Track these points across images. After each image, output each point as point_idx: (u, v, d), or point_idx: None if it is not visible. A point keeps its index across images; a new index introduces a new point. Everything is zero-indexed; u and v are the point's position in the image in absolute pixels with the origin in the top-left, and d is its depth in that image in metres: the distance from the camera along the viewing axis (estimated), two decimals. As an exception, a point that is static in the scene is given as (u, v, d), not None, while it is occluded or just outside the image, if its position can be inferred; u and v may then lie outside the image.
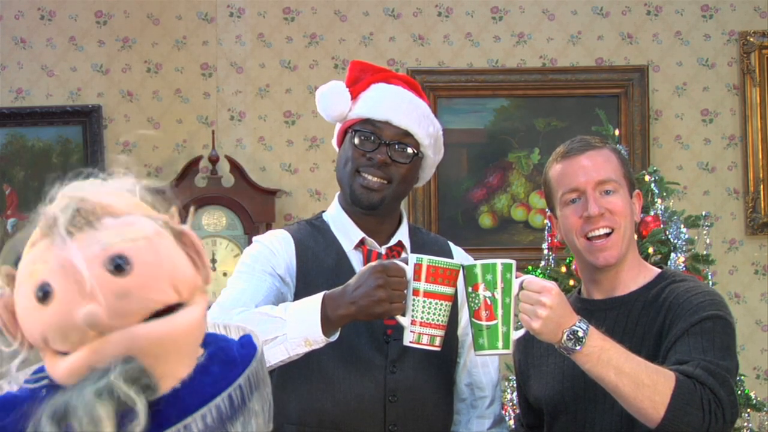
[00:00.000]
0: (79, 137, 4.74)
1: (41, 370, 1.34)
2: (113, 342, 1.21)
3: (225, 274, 4.30)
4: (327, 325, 2.07)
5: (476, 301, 2.00)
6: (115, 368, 1.19)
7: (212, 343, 1.33)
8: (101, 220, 1.26)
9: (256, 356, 1.33)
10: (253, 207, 4.62)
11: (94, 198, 1.29)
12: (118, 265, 1.22)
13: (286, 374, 2.28)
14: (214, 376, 1.29)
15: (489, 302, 1.99)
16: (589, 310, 2.20)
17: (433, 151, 2.41)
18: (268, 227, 4.42)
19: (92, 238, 1.24)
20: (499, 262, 2.00)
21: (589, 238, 2.21)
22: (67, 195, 1.29)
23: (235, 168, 4.67)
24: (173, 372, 1.26)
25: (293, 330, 2.08)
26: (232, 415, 1.26)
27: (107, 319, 1.20)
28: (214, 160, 4.67)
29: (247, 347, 1.36)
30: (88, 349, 1.21)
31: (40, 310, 1.23)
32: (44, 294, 1.22)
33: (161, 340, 1.24)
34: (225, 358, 1.32)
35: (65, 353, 1.24)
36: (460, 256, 2.44)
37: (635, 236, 2.51)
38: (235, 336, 1.42)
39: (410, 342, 2.06)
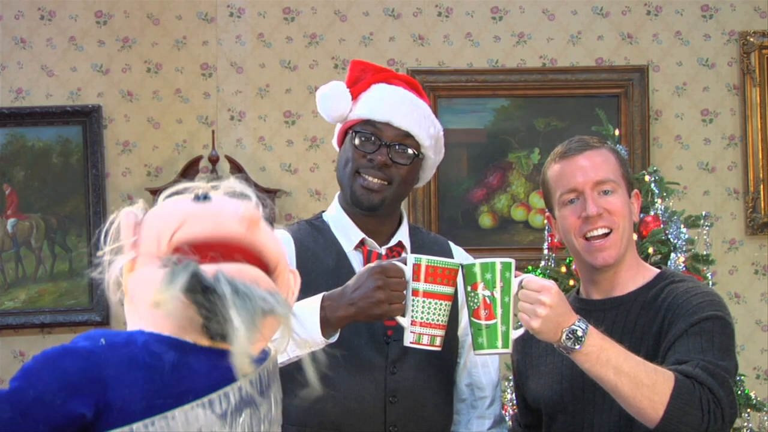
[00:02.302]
0: (79, 137, 4.74)
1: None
2: (256, 273, 1.34)
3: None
4: (326, 327, 2.07)
5: (475, 301, 2.00)
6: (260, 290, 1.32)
7: None
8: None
9: (270, 354, 1.48)
10: (253, 207, 4.61)
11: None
12: (269, 220, 1.39)
13: (286, 375, 2.27)
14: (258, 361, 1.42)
15: (488, 301, 1.99)
16: (588, 310, 2.20)
17: (433, 152, 2.40)
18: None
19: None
20: (498, 261, 2.00)
21: (587, 239, 2.21)
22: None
23: (235, 168, 4.67)
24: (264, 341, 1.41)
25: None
26: (261, 392, 1.39)
27: (259, 228, 1.35)
28: (214, 160, 4.67)
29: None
30: (229, 267, 1.31)
31: (193, 204, 1.36)
32: (204, 196, 1.36)
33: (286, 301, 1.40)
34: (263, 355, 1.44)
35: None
36: (460, 256, 2.43)
37: (634, 236, 2.50)
38: None
39: (410, 342, 2.06)
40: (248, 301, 1.27)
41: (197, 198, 1.36)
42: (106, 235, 1.39)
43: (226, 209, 1.35)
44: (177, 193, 1.41)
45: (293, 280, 1.47)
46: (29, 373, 1.30)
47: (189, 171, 4.67)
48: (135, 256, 1.36)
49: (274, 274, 1.36)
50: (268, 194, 4.64)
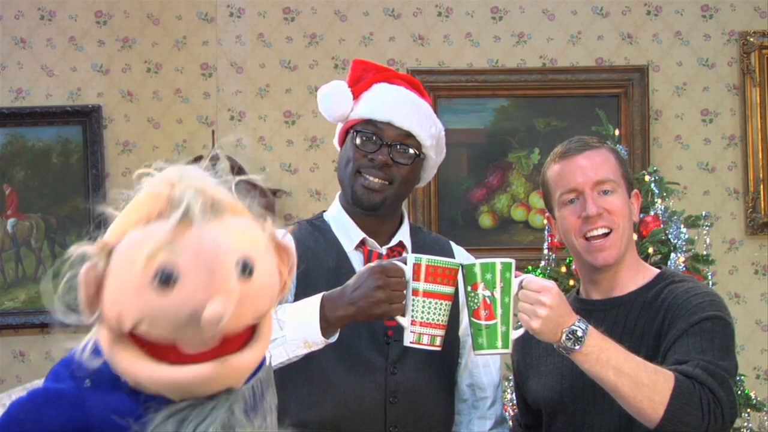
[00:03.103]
0: (79, 137, 4.74)
1: (67, 362, 1.30)
2: (227, 368, 1.18)
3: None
4: (326, 327, 2.07)
5: (475, 301, 1.99)
6: (224, 404, 1.18)
7: None
8: (224, 215, 1.23)
9: (265, 361, 1.35)
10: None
11: (212, 191, 1.25)
12: (246, 268, 1.19)
13: (287, 376, 2.27)
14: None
15: (488, 301, 1.99)
16: (588, 310, 2.20)
17: (435, 152, 2.40)
18: (268, 227, 4.42)
19: (222, 232, 1.20)
20: (498, 261, 2.00)
21: (587, 239, 2.21)
22: (183, 180, 1.25)
23: (235, 168, 4.67)
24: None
25: (292, 332, 2.08)
26: (254, 407, 1.27)
27: (223, 325, 1.16)
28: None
29: None
30: (201, 372, 1.17)
31: (154, 294, 1.17)
32: (167, 278, 1.16)
33: (257, 364, 1.24)
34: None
35: (152, 355, 1.19)
36: (461, 256, 2.43)
37: (635, 236, 2.50)
38: None
39: (411, 342, 2.05)
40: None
41: (158, 280, 1.17)
42: (63, 297, 1.24)
43: (185, 308, 1.16)
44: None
45: (287, 258, 1.31)
46: (11, 424, 1.23)
47: (189, 171, 4.66)
48: (100, 320, 1.23)
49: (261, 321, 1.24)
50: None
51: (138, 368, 1.19)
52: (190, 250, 1.18)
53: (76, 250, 1.22)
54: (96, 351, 1.26)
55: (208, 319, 1.15)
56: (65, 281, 1.22)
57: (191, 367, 1.17)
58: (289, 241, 1.34)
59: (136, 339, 1.21)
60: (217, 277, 1.17)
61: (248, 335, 1.23)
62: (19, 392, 1.43)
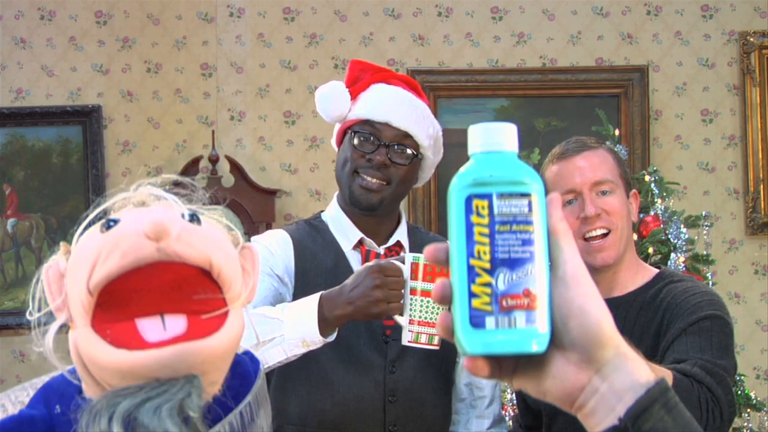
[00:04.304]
0: (79, 137, 4.74)
1: (49, 387, 1.32)
2: (186, 353, 1.18)
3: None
4: (324, 326, 2.08)
5: (473, 300, 1.99)
6: (183, 387, 1.17)
7: None
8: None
9: (260, 373, 1.35)
10: (253, 207, 4.62)
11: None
12: (191, 216, 1.26)
13: (286, 375, 2.28)
14: (234, 389, 1.30)
15: (486, 301, 1.98)
16: (588, 310, 2.20)
17: (432, 152, 2.40)
18: (268, 227, 4.42)
19: (173, 208, 1.29)
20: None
21: (586, 239, 2.21)
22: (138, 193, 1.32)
23: (235, 168, 4.67)
24: (218, 381, 1.27)
25: (291, 331, 2.08)
26: (251, 421, 1.27)
27: (169, 238, 1.19)
28: (214, 160, 4.67)
29: (255, 361, 1.38)
30: (160, 355, 1.18)
31: (99, 237, 1.23)
32: (110, 224, 1.23)
33: (223, 354, 1.23)
34: (242, 373, 1.34)
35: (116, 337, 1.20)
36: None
37: (634, 236, 2.50)
38: None
39: (409, 341, 2.06)
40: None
41: (103, 227, 1.23)
42: (33, 299, 1.27)
43: (129, 230, 1.21)
44: (97, 217, 1.30)
45: (249, 257, 1.35)
46: None
47: (189, 171, 4.67)
48: (68, 316, 1.25)
49: (213, 274, 1.24)
50: (267, 194, 4.64)
51: (101, 354, 1.20)
52: (138, 212, 1.26)
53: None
54: (63, 384, 1.28)
55: (154, 222, 1.18)
56: (36, 288, 1.28)
57: (151, 350, 1.18)
58: (255, 248, 1.38)
59: (100, 327, 1.21)
60: (157, 212, 1.24)
61: (216, 326, 1.23)
62: (18, 391, 1.43)
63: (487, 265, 0.89)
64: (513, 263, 0.89)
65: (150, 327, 1.19)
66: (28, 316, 1.26)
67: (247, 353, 1.39)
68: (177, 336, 1.20)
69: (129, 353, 1.18)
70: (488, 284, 0.88)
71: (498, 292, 0.88)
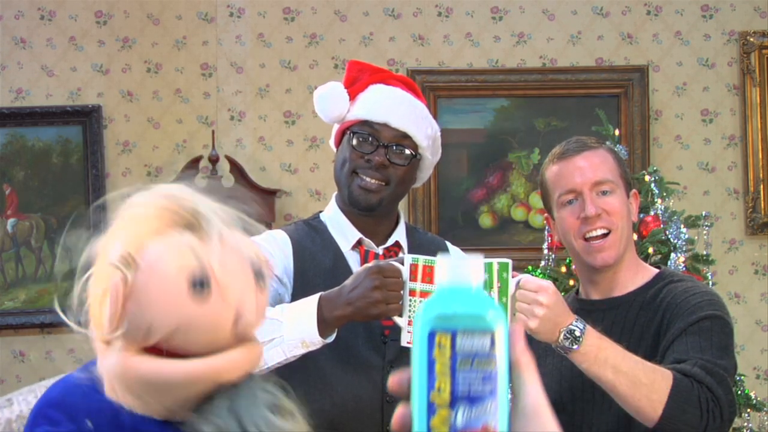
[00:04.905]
0: (79, 137, 4.74)
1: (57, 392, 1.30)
2: (247, 358, 1.22)
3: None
4: (323, 327, 2.07)
5: (473, 301, 1.99)
6: (267, 385, 1.21)
7: None
8: (232, 229, 1.27)
9: None
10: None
11: (219, 207, 1.29)
12: (260, 277, 1.25)
13: (284, 375, 2.27)
14: None
15: (486, 302, 1.98)
16: (587, 310, 2.20)
17: (431, 153, 2.41)
18: (268, 227, 4.41)
19: (240, 243, 1.25)
20: (495, 261, 2.00)
21: (586, 239, 2.21)
22: (193, 195, 1.27)
23: (235, 168, 4.67)
24: None
25: (290, 332, 2.08)
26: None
27: (249, 328, 1.22)
28: (214, 160, 4.67)
29: None
30: (221, 360, 1.19)
31: (191, 302, 1.19)
32: (201, 284, 1.19)
33: (260, 360, 1.29)
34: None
35: (164, 353, 1.21)
36: (458, 256, 2.43)
37: (634, 236, 2.50)
38: None
39: (408, 342, 2.06)
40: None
41: (196, 288, 1.20)
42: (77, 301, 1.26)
43: (220, 317, 1.20)
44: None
45: (269, 272, 1.33)
46: None
47: (189, 171, 4.67)
48: (117, 334, 1.23)
49: None
50: (267, 194, 4.64)
51: (167, 366, 1.20)
52: (219, 257, 1.21)
53: (85, 258, 1.24)
54: (89, 389, 1.26)
55: (247, 320, 1.20)
56: (77, 295, 1.24)
57: (225, 354, 1.21)
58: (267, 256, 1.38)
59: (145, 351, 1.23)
60: (248, 281, 1.22)
61: None
62: (26, 393, 1.43)
63: (447, 400, 0.89)
64: (473, 399, 0.89)
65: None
66: (65, 318, 1.24)
67: None
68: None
69: (202, 360, 1.20)
70: (447, 419, 0.88)
71: (456, 428, 0.88)
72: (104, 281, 1.22)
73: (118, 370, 1.23)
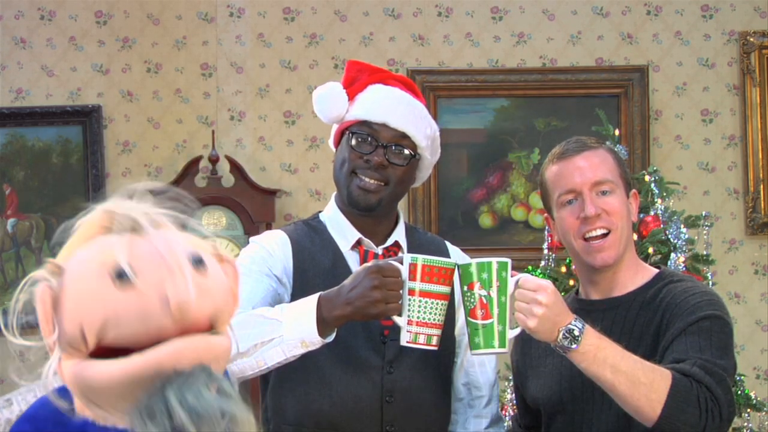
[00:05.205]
0: (79, 137, 4.74)
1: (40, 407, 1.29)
2: (193, 346, 1.18)
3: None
4: (323, 326, 2.08)
5: (472, 300, 2.00)
6: (203, 373, 1.16)
7: None
8: (168, 227, 1.26)
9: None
10: (253, 207, 4.62)
11: (152, 211, 1.28)
12: (197, 260, 1.22)
13: (283, 375, 2.28)
14: None
15: (485, 301, 1.99)
16: (587, 310, 2.20)
17: (430, 152, 2.40)
18: (268, 227, 4.42)
19: (170, 236, 1.23)
20: (494, 260, 2.00)
21: (586, 239, 2.21)
22: (122, 204, 1.27)
23: (235, 168, 4.67)
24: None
25: (289, 332, 2.08)
26: None
27: (189, 310, 1.17)
28: (214, 160, 4.67)
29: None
30: (163, 351, 1.16)
31: (115, 291, 1.18)
32: (121, 275, 1.18)
33: (224, 355, 1.23)
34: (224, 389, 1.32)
35: (104, 355, 1.19)
36: (457, 255, 2.43)
37: (634, 236, 2.50)
38: None
39: (407, 342, 2.06)
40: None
41: (116, 278, 1.19)
42: (13, 312, 1.24)
43: (151, 303, 1.17)
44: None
45: (232, 274, 1.31)
46: None
47: (189, 171, 4.67)
48: (62, 351, 1.22)
49: (217, 323, 1.24)
50: (267, 194, 4.64)
51: (109, 368, 1.18)
52: (143, 249, 1.21)
53: (30, 276, 1.24)
54: (52, 413, 1.25)
55: (177, 300, 1.16)
56: (17, 303, 1.23)
57: (165, 344, 1.17)
58: (235, 263, 1.34)
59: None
60: (175, 265, 1.19)
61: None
62: (25, 393, 1.43)
63: None
64: None
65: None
66: (5, 333, 1.23)
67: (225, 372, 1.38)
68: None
69: (140, 356, 1.17)
70: None
71: None
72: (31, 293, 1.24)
73: (68, 378, 1.23)
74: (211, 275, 1.22)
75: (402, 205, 2.47)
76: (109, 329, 1.18)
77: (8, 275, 4.73)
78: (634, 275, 2.26)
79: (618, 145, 3.61)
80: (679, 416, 1.97)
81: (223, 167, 4.69)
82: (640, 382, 1.96)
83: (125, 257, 1.20)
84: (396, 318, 2.05)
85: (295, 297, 2.24)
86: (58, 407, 1.24)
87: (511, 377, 2.54)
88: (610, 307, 2.24)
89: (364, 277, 2.03)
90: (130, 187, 1.30)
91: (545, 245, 3.73)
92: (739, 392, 3.53)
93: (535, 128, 4.76)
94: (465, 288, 2.01)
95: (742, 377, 3.62)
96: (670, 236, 3.54)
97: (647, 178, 3.65)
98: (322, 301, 2.08)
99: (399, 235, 2.42)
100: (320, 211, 2.47)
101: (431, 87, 4.69)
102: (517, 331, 2.01)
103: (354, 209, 2.36)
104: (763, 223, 4.68)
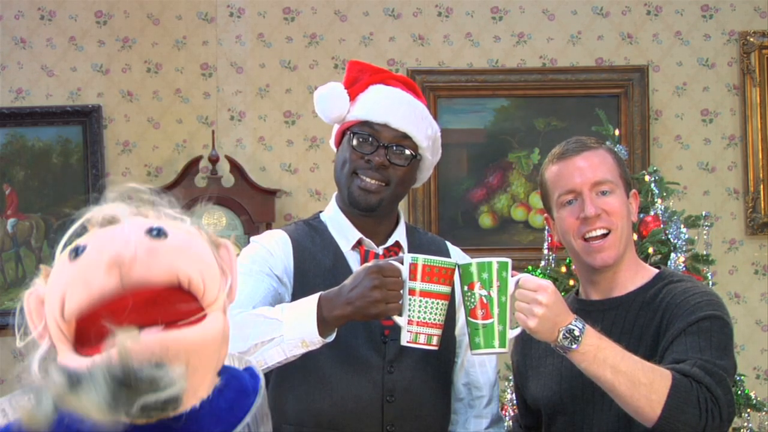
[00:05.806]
0: (79, 137, 4.74)
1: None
2: (149, 342, 1.16)
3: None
4: (323, 326, 2.08)
5: (472, 300, 2.00)
6: (146, 370, 1.14)
7: (225, 371, 1.32)
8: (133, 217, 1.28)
9: (260, 390, 1.32)
10: (253, 207, 4.62)
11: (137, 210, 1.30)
12: (155, 230, 1.22)
13: (284, 375, 2.28)
14: (229, 402, 1.27)
15: (485, 301, 1.99)
16: (587, 310, 2.20)
17: (431, 153, 2.41)
18: (268, 227, 4.42)
19: (141, 220, 1.25)
20: (494, 260, 2.00)
21: (586, 239, 2.21)
22: (101, 209, 1.28)
23: (235, 168, 4.67)
24: (197, 388, 1.23)
25: (290, 331, 2.08)
26: None
27: (131, 267, 1.17)
28: (214, 160, 4.67)
29: (255, 378, 1.35)
30: (117, 349, 1.14)
31: (68, 268, 1.20)
32: (77, 251, 1.20)
33: (194, 348, 1.20)
34: (239, 387, 1.31)
35: (85, 352, 1.19)
36: (457, 255, 2.43)
37: (634, 236, 2.50)
38: (237, 364, 1.39)
39: (407, 342, 2.06)
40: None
41: (71, 254, 1.20)
42: (20, 327, 1.28)
43: (91, 263, 1.18)
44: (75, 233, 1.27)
45: (226, 256, 1.31)
46: None
47: (189, 171, 4.67)
48: (51, 343, 1.24)
49: (183, 287, 1.21)
50: (267, 194, 4.64)
51: (77, 360, 1.19)
52: (107, 232, 1.23)
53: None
54: None
55: (113, 257, 1.17)
56: (19, 311, 1.28)
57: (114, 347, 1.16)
58: (231, 246, 1.34)
59: (83, 352, 1.20)
60: (120, 234, 1.20)
61: (191, 326, 1.21)
62: (18, 396, 1.43)
63: None
64: None
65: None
66: (18, 344, 1.28)
67: (248, 369, 1.36)
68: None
69: (102, 354, 1.16)
70: None
71: None
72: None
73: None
74: (171, 241, 1.21)
75: (402, 205, 2.47)
76: (67, 303, 1.19)
77: (8, 275, 4.73)
78: (634, 275, 2.26)
79: (618, 145, 3.61)
80: (679, 416, 1.97)
81: (223, 167, 4.69)
82: (640, 383, 1.96)
83: (85, 239, 1.22)
84: (396, 318, 2.05)
85: (295, 297, 2.24)
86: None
87: (511, 377, 2.55)
88: (610, 308, 2.24)
89: (364, 277, 2.03)
90: (124, 187, 1.32)
91: (545, 245, 3.73)
92: (739, 392, 3.53)
93: (535, 128, 4.76)
94: (465, 288, 2.01)
95: (742, 377, 3.62)
96: (670, 236, 3.54)
97: (647, 178, 3.65)
98: (323, 300, 2.08)
99: (400, 235, 2.42)
100: (321, 211, 2.47)
101: (431, 87, 4.69)
102: (518, 331, 2.01)
103: (355, 209, 2.36)
104: (763, 223, 4.68)
